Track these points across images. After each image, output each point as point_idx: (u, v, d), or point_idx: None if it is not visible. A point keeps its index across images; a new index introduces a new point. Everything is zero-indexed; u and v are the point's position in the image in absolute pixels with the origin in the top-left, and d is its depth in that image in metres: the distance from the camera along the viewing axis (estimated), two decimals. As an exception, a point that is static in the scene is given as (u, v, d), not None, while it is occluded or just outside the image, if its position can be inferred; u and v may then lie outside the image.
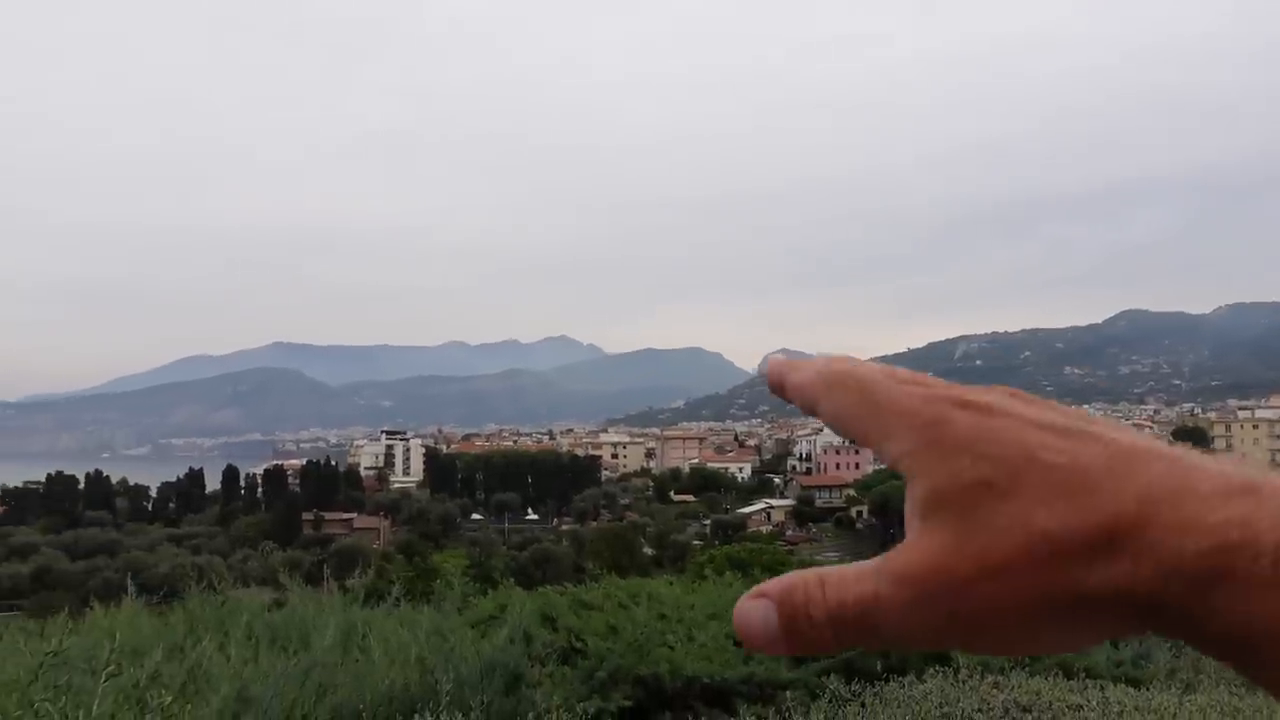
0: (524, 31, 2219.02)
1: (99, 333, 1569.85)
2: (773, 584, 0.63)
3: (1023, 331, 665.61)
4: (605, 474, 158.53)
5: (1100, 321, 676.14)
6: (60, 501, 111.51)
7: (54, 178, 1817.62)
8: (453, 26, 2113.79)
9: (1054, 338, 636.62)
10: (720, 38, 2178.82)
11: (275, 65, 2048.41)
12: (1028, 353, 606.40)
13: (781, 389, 0.65)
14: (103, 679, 4.01)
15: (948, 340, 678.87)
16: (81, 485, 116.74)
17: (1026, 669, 6.97)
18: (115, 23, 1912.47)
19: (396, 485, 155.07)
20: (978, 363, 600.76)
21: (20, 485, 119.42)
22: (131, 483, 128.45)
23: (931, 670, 6.87)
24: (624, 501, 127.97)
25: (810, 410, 0.64)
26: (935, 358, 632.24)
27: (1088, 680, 6.96)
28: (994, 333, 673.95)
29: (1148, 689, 6.91)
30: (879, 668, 7.15)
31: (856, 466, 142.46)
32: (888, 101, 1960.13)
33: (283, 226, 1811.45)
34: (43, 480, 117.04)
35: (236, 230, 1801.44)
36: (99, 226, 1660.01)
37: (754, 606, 0.62)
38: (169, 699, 4.12)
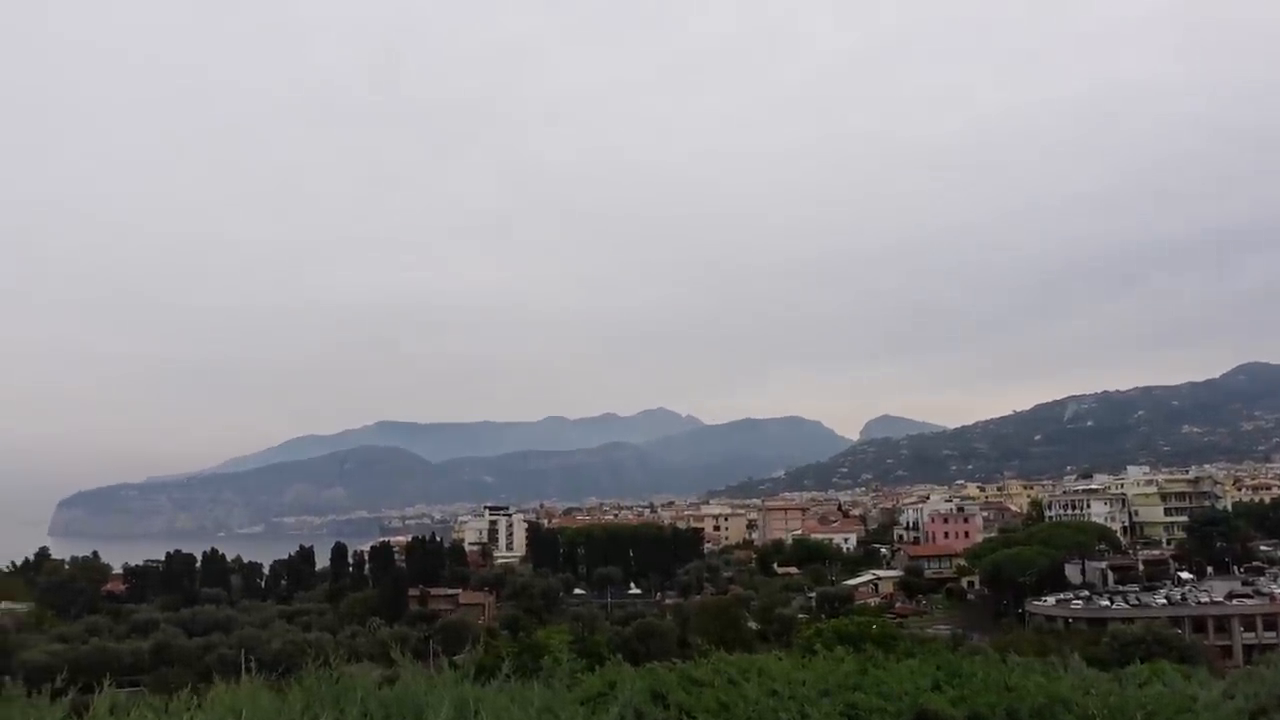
0: (619, 108, 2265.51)
1: (215, 416, 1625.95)
2: None
3: (1135, 390, 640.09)
4: (707, 546, 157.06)
5: (1218, 376, 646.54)
6: (179, 580, 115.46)
7: (173, 267, 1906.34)
8: (548, 106, 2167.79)
9: (1169, 395, 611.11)
10: (812, 104, 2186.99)
11: (375, 150, 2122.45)
12: (1141, 412, 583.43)
13: None
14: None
15: (1055, 402, 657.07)
16: (198, 564, 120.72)
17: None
18: (228, 118, 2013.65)
19: (500, 560, 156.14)
20: (1089, 424, 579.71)
21: (141, 564, 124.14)
22: (245, 560, 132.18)
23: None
24: (727, 574, 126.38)
25: None
26: (1044, 420, 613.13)
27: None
28: (1104, 392, 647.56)
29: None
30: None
31: (966, 535, 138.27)
32: (983, 157, 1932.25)
33: (384, 306, 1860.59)
34: (162, 559, 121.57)
35: (341, 311, 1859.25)
36: (215, 311, 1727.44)
37: None
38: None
